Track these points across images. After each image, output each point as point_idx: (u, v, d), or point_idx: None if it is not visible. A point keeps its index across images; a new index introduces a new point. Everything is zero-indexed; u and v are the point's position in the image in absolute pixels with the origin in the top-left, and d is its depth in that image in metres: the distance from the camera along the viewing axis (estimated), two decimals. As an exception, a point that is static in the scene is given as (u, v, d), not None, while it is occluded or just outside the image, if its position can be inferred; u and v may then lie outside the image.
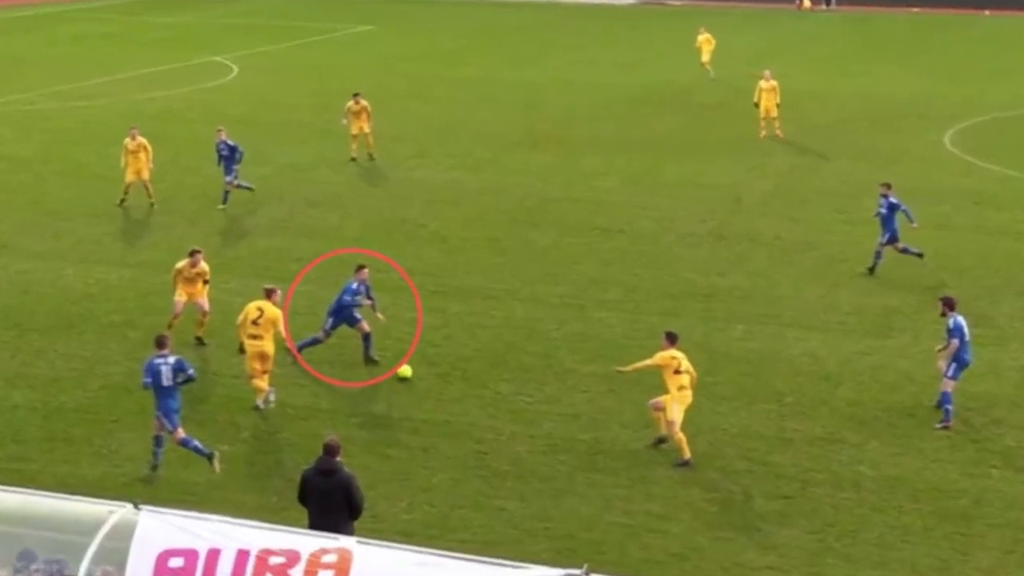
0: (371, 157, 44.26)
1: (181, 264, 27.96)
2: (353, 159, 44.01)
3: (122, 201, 38.08)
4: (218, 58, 65.96)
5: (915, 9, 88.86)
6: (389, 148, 45.65)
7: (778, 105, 48.01)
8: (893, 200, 32.47)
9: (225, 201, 38.09)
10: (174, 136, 47.40)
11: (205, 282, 28.03)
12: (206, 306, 27.95)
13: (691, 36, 77.42)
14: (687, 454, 22.69)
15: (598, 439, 23.70)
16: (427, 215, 37.81)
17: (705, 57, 61.57)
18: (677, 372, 22.89)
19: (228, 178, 38.09)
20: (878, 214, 32.79)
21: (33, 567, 16.25)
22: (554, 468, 22.52)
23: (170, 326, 27.04)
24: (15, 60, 65.11)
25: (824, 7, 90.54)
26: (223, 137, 38.29)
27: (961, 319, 24.79)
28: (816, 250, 34.84)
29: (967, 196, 40.40)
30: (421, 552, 15.85)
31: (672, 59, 67.31)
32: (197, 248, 28.57)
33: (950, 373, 24.65)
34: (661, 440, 23.27)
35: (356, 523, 17.96)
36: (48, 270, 32.56)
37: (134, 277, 32.00)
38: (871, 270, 32.60)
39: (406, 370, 25.97)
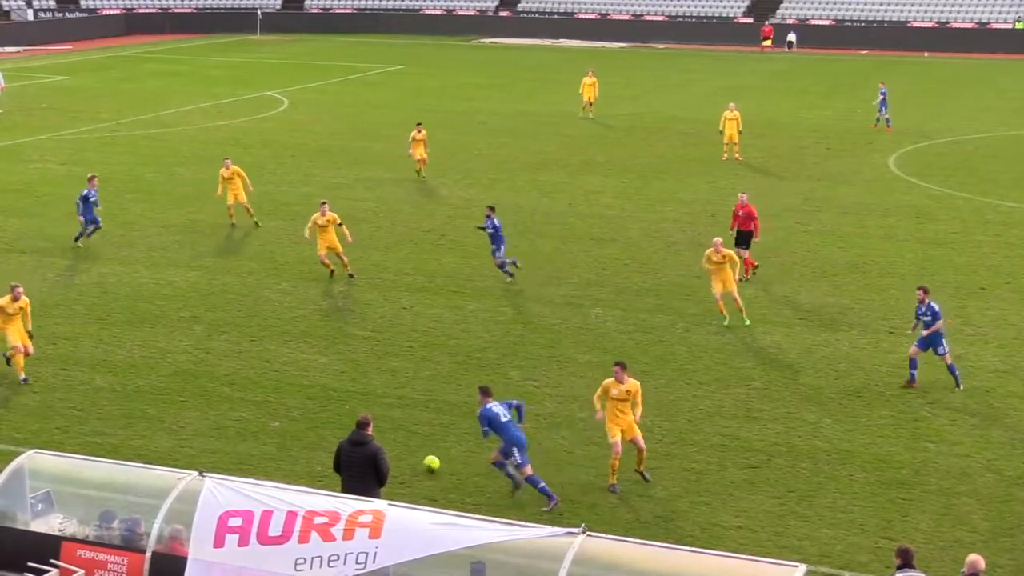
0: (420, 175, 44.13)
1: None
2: (419, 173, 44.05)
3: (232, 225, 36.87)
4: (271, 93, 65.94)
5: (864, 52, 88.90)
6: (413, 169, 45.64)
7: (740, 132, 47.94)
8: (496, 222, 31.43)
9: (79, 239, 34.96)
10: (234, 159, 47.29)
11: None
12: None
13: (672, 74, 77.56)
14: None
15: (593, 417, 23.63)
16: (447, 226, 37.78)
17: (588, 97, 58.12)
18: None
19: (99, 222, 34.96)
20: (484, 229, 31.67)
21: (113, 525, 16.31)
22: (556, 442, 22.49)
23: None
24: (98, 94, 65.16)
25: (787, 49, 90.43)
26: (95, 185, 35.14)
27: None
28: (780, 257, 34.76)
29: (909, 211, 40.31)
30: (443, 513, 15.92)
31: (656, 93, 67.20)
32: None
33: (945, 349, 25.16)
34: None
35: (385, 488, 17.88)
36: (124, 273, 32.58)
37: (198, 279, 32.00)
38: (510, 277, 31.69)
39: (434, 462, 21.38)
